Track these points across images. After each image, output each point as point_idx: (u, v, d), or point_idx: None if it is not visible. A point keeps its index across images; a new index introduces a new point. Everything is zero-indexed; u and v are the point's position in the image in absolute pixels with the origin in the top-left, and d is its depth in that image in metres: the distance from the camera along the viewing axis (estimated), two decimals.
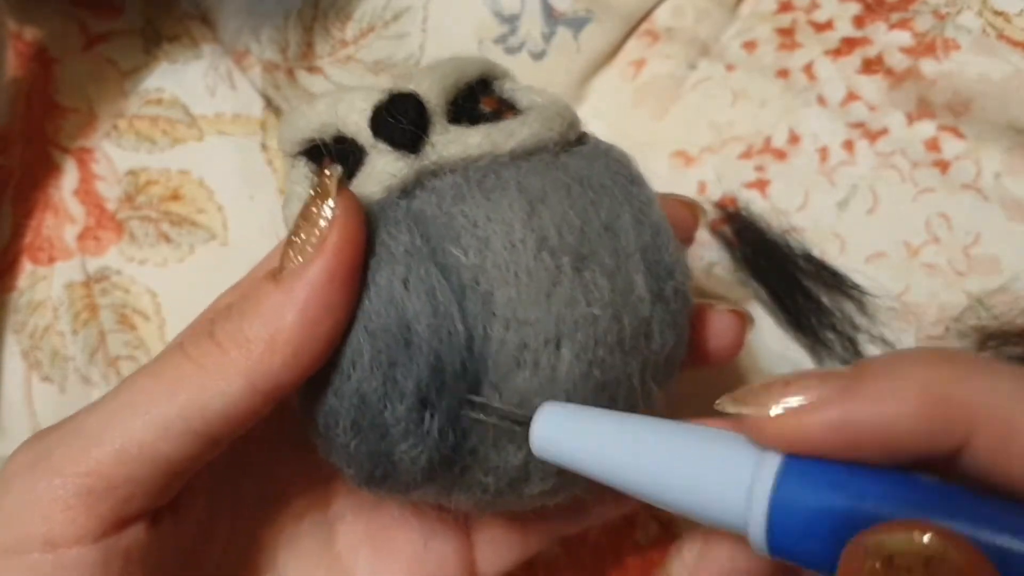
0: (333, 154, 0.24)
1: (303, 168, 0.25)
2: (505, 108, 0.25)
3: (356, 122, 0.23)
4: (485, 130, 0.23)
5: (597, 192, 0.23)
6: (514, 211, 0.22)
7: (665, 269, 0.24)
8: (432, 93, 0.23)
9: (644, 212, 0.24)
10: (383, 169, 0.23)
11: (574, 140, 0.25)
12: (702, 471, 0.19)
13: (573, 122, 0.25)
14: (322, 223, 0.21)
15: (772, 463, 0.18)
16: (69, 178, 0.37)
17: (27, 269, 0.36)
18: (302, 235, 0.21)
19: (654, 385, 0.23)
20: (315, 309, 0.21)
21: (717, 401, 0.19)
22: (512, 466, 0.22)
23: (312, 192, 0.21)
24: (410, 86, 0.23)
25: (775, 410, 0.18)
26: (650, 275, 0.23)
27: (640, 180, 0.25)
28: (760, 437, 0.18)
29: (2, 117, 0.37)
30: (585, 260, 0.22)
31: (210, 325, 0.21)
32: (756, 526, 0.18)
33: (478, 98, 0.25)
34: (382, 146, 0.23)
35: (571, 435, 0.20)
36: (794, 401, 0.18)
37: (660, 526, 0.32)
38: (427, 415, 0.21)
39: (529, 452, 0.21)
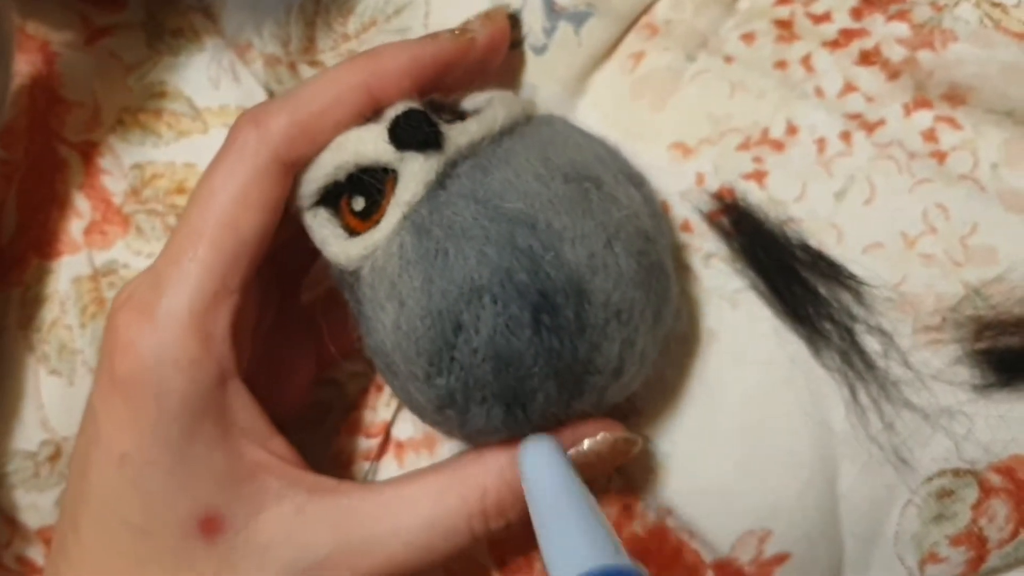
0: (355, 187, 0.27)
1: (324, 214, 0.28)
2: (459, 113, 0.29)
3: (374, 148, 0.27)
4: (474, 120, 0.28)
5: (568, 138, 0.29)
6: (532, 164, 0.26)
7: (635, 175, 0.30)
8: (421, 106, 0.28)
9: (602, 144, 0.30)
10: (420, 171, 0.26)
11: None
12: None
13: (520, 101, 0.30)
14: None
15: None
16: (74, 172, 0.37)
17: (34, 263, 0.36)
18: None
19: (669, 261, 0.29)
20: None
21: None
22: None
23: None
24: (390, 113, 0.27)
25: None
26: (631, 183, 0.29)
27: (580, 127, 0.31)
28: None
29: (7, 112, 0.37)
30: (597, 181, 0.27)
31: None
32: None
33: (439, 110, 0.28)
34: (409, 154, 0.26)
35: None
36: None
37: (657, 516, 0.32)
38: (546, 335, 0.25)
39: None
